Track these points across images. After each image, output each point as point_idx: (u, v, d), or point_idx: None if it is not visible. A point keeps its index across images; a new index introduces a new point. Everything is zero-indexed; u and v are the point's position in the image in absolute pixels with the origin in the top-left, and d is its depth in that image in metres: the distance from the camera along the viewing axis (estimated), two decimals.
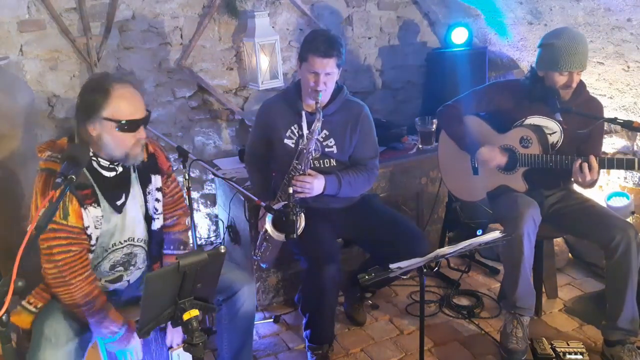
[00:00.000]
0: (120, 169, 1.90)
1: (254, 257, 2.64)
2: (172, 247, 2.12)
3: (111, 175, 1.89)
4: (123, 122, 1.77)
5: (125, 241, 1.96)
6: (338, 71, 2.47)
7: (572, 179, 2.45)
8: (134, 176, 1.96)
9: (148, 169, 1.99)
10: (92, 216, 1.83)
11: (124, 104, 1.77)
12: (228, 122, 3.53)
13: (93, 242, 1.86)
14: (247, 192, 2.35)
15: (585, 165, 2.35)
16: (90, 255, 1.87)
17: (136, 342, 1.91)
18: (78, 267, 1.80)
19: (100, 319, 1.83)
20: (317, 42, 2.41)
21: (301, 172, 2.45)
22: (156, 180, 2.01)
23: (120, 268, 1.98)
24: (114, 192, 1.90)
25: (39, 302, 1.87)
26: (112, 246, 1.93)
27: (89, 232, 1.83)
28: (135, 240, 1.99)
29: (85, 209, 1.81)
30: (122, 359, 1.93)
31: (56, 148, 1.83)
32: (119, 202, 1.91)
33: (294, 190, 2.33)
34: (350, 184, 2.55)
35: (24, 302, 1.86)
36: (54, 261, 1.77)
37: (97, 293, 1.84)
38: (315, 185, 2.47)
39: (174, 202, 2.13)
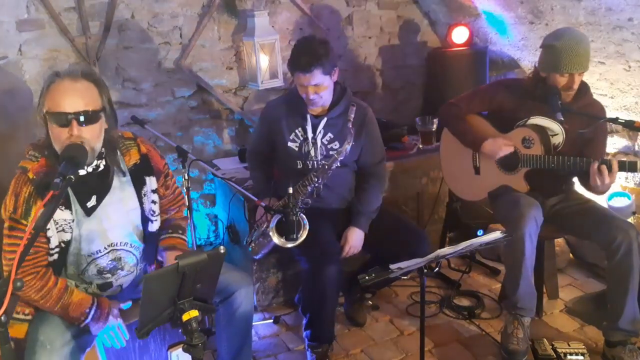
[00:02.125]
0: (91, 169, 1.82)
1: (248, 248, 2.63)
2: (170, 231, 2.10)
3: (82, 173, 1.78)
4: (50, 113, 1.71)
5: (109, 246, 1.90)
6: (329, 77, 2.44)
7: (590, 183, 2.37)
8: (125, 179, 1.91)
9: (141, 170, 1.95)
10: (58, 219, 1.78)
11: (56, 96, 1.71)
12: (228, 122, 3.52)
13: (52, 245, 1.79)
14: (246, 192, 2.34)
15: (604, 167, 2.30)
16: (50, 258, 1.81)
17: (116, 320, 1.86)
18: (29, 268, 1.76)
19: (64, 306, 1.80)
20: (297, 58, 2.40)
21: (317, 184, 2.44)
22: (151, 182, 1.97)
23: (108, 274, 1.93)
24: (84, 192, 1.83)
25: (28, 308, 1.84)
26: (97, 252, 1.88)
27: (48, 234, 1.77)
28: (124, 245, 1.93)
29: None
30: (108, 342, 1.87)
31: (38, 147, 1.81)
32: (89, 204, 1.83)
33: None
34: (373, 204, 2.59)
35: (14, 314, 1.84)
36: (6, 259, 1.75)
37: (51, 285, 1.79)
38: (357, 243, 2.54)
39: (175, 197, 2.15)
